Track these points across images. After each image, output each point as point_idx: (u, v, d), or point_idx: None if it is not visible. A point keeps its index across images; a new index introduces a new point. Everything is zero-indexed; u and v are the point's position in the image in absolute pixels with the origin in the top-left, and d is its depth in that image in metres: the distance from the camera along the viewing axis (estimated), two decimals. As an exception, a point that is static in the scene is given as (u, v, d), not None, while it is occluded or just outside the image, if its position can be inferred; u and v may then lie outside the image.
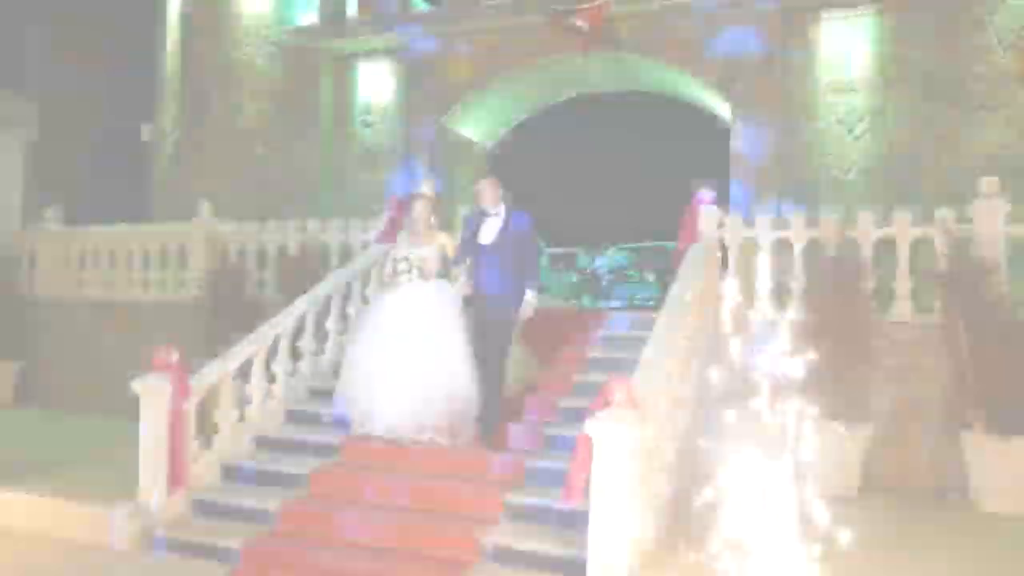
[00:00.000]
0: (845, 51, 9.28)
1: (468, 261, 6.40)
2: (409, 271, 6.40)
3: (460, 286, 6.33)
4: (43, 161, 14.57)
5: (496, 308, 6.19)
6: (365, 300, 7.88)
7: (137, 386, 5.85)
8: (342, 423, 6.43)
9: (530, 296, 6.27)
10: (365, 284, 8.06)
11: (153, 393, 5.80)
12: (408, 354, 6.11)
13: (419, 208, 6.60)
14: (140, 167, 13.14)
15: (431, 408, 6.06)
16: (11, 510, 6.06)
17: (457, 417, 6.11)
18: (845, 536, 4.03)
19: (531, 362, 6.94)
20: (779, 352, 4.25)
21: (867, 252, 7.07)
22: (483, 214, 6.39)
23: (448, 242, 6.64)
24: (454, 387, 6.09)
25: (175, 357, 5.91)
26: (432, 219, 6.66)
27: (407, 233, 6.69)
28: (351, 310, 7.81)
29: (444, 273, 6.62)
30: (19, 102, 14.05)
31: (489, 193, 6.33)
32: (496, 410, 6.20)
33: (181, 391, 5.84)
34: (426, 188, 6.83)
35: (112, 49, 14.97)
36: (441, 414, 6.07)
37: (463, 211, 8.80)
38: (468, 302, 6.33)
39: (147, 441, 5.84)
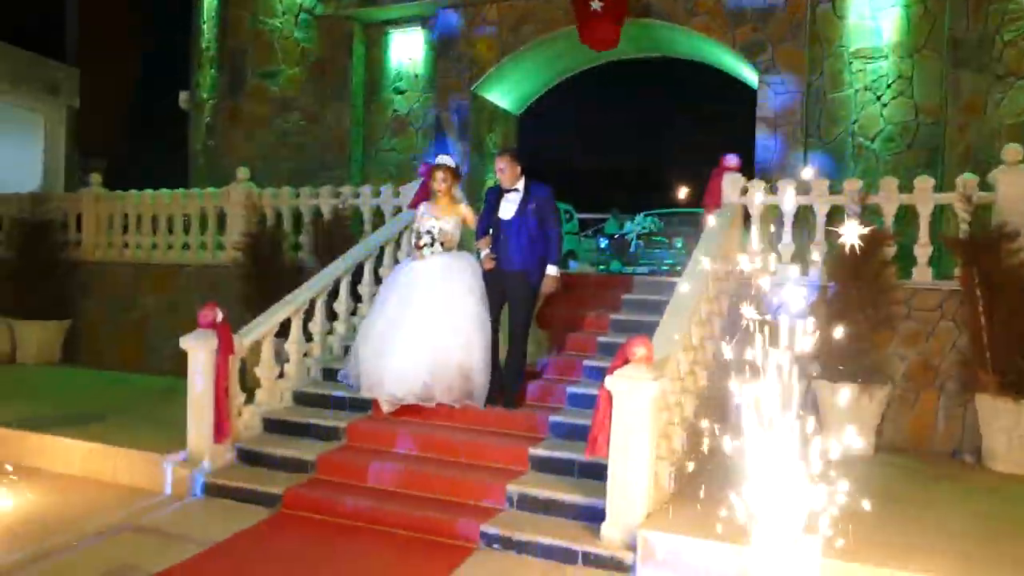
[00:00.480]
0: (873, 17, 9.27)
1: (489, 236, 6.48)
2: (432, 243, 6.49)
3: (483, 261, 6.41)
4: (84, 127, 14.98)
5: (518, 282, 6.29)
6: (397, 263, 8.13)
7: (185, 343, 6.18)
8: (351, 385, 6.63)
9: (552, 270, 6.33)
10: (397, 248, 8.31)
11: (200, 349, 6.13)
12: (422, 324, 6.21)
13: (440, 179, 6.65)
14: (178, 133, 13.45)
15: (440, 378, 6.17)
16: (69, 457, 6.49)
17: (466, 388, 6.25)
18: (859, 492, 4.24)
19: (543, 345, 7.07)
20: (799, 315, 4.43)
21: (889, 218, 7.19)
22: (503, 189, 6.46)
23: (469, 213, 6.71)
24: (467, 359, 6.22)
25: (220, 316, 6.22)
26: (454, 190, 6.74)
27: (429, 204, 6.75)
28: (383, 273, 8.09)
29: (465, 244, 6.76)
30: (61, 69, 14.47)
31: (508, 173, 6.36)
32: (518, 375, 6.41)
33: (226, 348, 6.16)
34: (446, 160, 6.79)
35: (151, 17, 15.23)
36: (452, 385, 6.20)
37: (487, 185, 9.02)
38: (489, 278, 6.41)
39: (194, 394, 6.18)
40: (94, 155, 14.60)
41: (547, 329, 7.36)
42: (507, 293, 6.35)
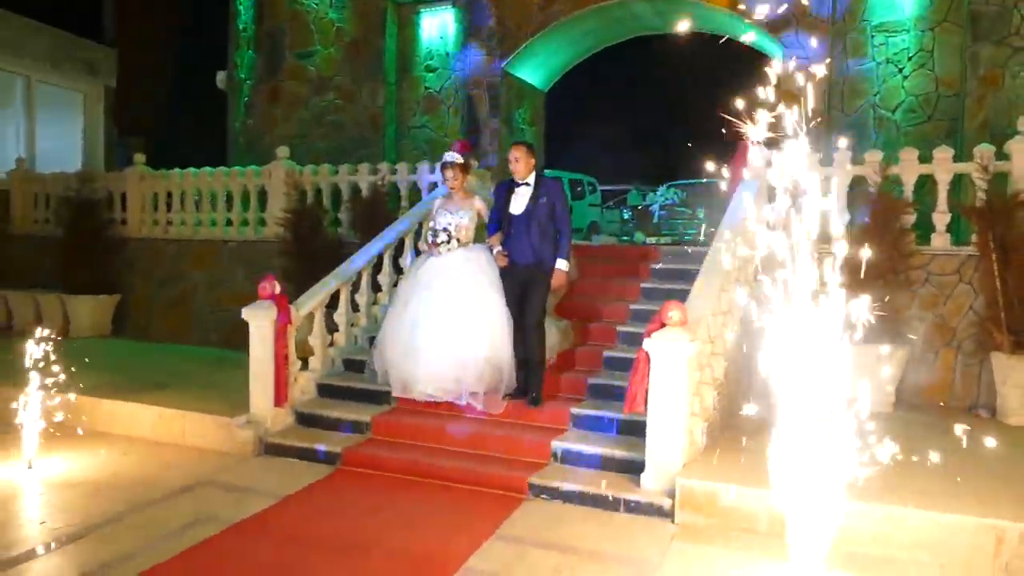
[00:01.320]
0: (896, -10, 9.52)
1: (500, 233, 6.47)
2: (448, 240, 6.50)
3: (495, 257, 6.44)
4: (121, 106, 15.38)
5: (532, 274, 6.29)
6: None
7: (247, 313, 6.61)
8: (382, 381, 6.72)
9: (562, 265, 6.29)
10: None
11: (261, 319, 6.56)
12: (447, 321, 6.28)
13: (451, 177, 6.64)
14: (214, 112, 13.82)
15: (470, 373, 6.25)
16: (140, 421, 6.98)
17: (496, 379, 6.35)
18: (878, 444, 4.58)
19: (567, 335, 7.08)
20: (822, 279, 4.75)
21: (909, 188, 7.51)
22: (514, 183, 6.43)
23: (483, 207, 6.70)
24: (495, 351, 6.29)
25: (278, 288, 6.65)
26: (466, 184, 6.77)
27: (444, 200, 6.77)
28: (423, 247, 8.44)
29: (479, 237, 6.76)
30: (99, 50, 14.87)
31: (523, 164, 6.33)
32: (540, 368, 6.39)
33: (284, 318, 6.59)
34: (454, 156, 6.67)
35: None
36: (481, 378, 6.28)
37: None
38: (503, 273, 6.42)
39: (256, 361, 6.62)
40: (132, 134, 15.00)
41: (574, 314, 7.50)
42: (523, 286, 6.34)
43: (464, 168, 6.75)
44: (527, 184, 6.37)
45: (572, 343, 7.20)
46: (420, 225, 8.45)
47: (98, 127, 14.77)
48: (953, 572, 4.38)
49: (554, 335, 6.75)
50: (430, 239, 6.64)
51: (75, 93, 14.60)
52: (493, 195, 6.85)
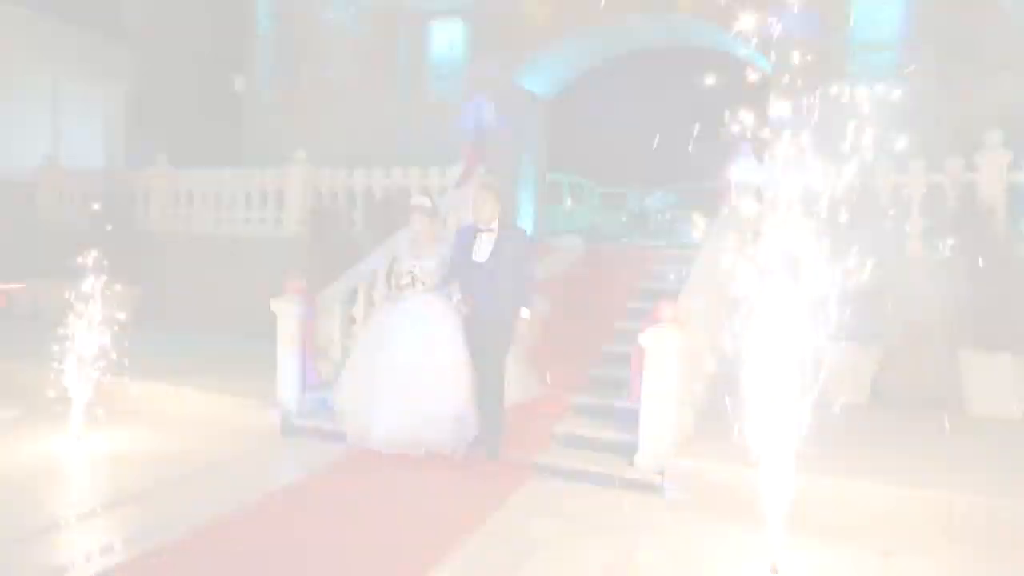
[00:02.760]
0: (877, 11, 10.08)
1: (459, 280, 6.36)
2: (412, 283, 6.44)
3: (456, 304, 6.35)
4: (141, 107, 15.88)
5: (494, 327, 6.14)
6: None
7: (276, 306, 7.20)
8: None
9: (526, 314, 6.18)
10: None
11: (288, 312, 7.16)
12: (407, 372, 6.20)
13: (417, 220, 6.53)
14: (231, 114, 14.35)
15: (430, 426, 6.19)
16: (173, 402, 7.58)
17: (459, 433, 6.22)
18: (849, 431, 5.11)
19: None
20: (803, 281, 5.23)
21: (885, 197, 8.10)
22: (476, 230, 6.29)
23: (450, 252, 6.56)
24: (455, 403, 6.19)
25: (304, 283, 7.23)
26: (434, 229, 6.69)
27: (412, 244, 6.62)
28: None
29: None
30: (118, 51, 15.40)
31: (489, 209, 6.21)
32: (498, 423, 6.24)
33: (309, 311, 7.18)
34: (423, 201, 6.64)
35: (207, 2, 15.94)
36: (441, 431, 6.20)
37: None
38: (466, 322, 6.30)
39: (283, 350, 7.20)
40: (150, 134, 15.47)
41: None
42: (483, 337, 6.18)
43: (432, 213, 6.69)
44: (491, 230, 6.25)
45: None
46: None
47: (119, 126, 15.29)
48: (908, 540, 4.95)
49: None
50: (394, 282, 6.64)
51: (97, 93, 15.14)
52: (456, 238, 6.64)
